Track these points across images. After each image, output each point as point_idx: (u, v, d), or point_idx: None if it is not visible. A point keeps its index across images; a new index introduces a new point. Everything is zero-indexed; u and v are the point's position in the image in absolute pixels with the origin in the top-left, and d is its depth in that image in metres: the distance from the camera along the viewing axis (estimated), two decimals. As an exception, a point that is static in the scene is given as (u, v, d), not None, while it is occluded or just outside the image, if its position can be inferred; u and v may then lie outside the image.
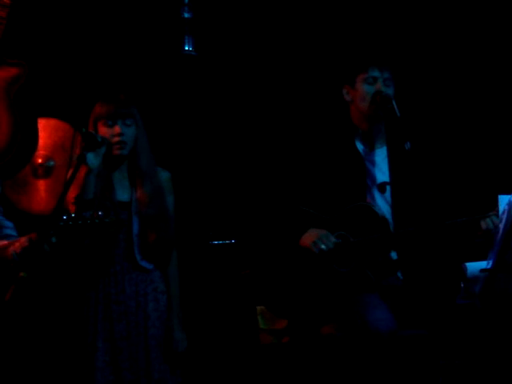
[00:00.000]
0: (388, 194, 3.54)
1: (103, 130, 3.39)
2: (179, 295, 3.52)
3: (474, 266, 3.18)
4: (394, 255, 3.52)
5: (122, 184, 3.48)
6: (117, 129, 3.38)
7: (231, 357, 4.20)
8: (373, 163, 3.58)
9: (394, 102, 3.47)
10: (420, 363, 3.36)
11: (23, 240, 3.10)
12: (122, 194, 3.46)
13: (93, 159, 3.29)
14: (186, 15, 4.11)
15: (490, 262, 3.12)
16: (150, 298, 3.44)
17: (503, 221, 3.13)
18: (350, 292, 3.44)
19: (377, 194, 3.55)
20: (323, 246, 3.44)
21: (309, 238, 3.47)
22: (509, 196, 3.14)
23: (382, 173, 3.57)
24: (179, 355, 3.45)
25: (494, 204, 3.23)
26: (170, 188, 3.55)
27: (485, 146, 4.20)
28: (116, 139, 3.39)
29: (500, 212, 3.17)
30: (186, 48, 4.09)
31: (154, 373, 3.39)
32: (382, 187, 3.54)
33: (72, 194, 3.23)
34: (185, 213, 4.17)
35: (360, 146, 3.60)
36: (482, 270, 3.13)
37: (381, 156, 3.60)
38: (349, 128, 3.61)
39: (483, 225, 3.28)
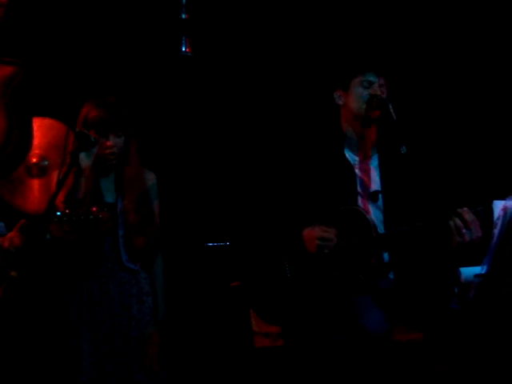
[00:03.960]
0: (380, 202, 3.53)
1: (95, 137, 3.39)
2: (164, 298, 3.51)
3: (469, 271, 3.16)
4: (385, 257, 3.50)
5: (108, 187, 3.49)
6: (108, 142, 3.40)
7: (225, 360, 4.19)
8: (365, 172, 3.57)
9: (390, 106, 3.46)
10: (414, 367, 3.35)
11: (15, 234, 3.10)
12: (108, 196, 3.47)
13: (85, 159, 3.29)
14: (184, 16, 4.10)
15: (485, 268, 3.10)
16: (134, 300, 3.44)
17: (498, 226, 3.12)
18: (343, 296, 3.44)
19: (369, 203, 3.54)
20: (326, 251, 3.44)
21: (309, 238, 3.46)
22: (503, 201, 3.12)
23: (373, 181, 3.56)
24: (157, 358, 3.43)
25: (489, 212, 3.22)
26: (155, 189, 3.55)
27: (479, 151, 4.19)
28: (107, 151, 3.40)
29: (495, 217, 3.15)
30: (183, 49, 4.08)
31: (135, 375, 3.39)
32: (374, 196, 3.53)
33: (64, 193, 3.22)
34: (179, 214, 4.17)
35: (350, 155, 3.59)
36: (477, 276, 3.12)
37: (372, 164, 3.59)
38: (338, 136, 3.60)
39: (467, 217, 3.24)
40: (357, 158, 3.59)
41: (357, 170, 3.57)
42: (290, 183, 3.58)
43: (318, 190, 3.54)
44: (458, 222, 3.24)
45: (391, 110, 3.44)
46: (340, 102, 3.58)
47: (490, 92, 4.21)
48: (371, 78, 3.51)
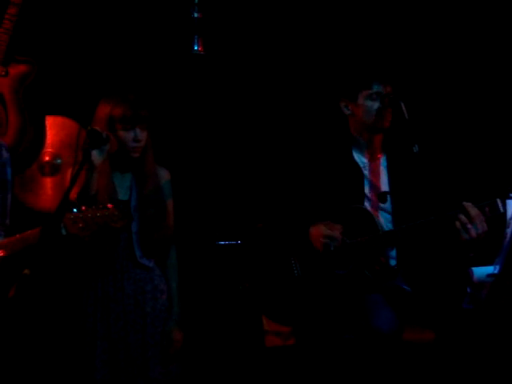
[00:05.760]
0: (389, 203, 3.54)
1: (120, 133, 3.41)
2: (179, 295, 3.51)
3: (481, 271, 3.15)
4: (392, 262, 3.51)
5: (122, 182, 3.50)
6: (136, 134, 3.41)
7: (236, 359, 4.19)
8: (373, 173, 3.58)
9: (402, 105, 3.47)
10: (424, 365, 3.35)
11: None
12: (121, 193, 3.48)
13: (97, 156, 3.29)
14: (196, 15, 4.11)
15: (497, 267, 3.10)
16: (148, 297, 3.45)
17: (511, 226, 3.11)
18: (351, 294, 3.44)
19: (375, 203, 3.54)
20: (332, 248, 3.46)
21: (316, 235, 3.49)
22: (516, 201, 3.12)
23: (382, 182, 3.57)
24: (176, 355, 3.44)
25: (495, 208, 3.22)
26: (169, 186, 3.56)
27: (490, 150, 4.18)
28: (134, 144, 3.41)
29: (508, 217, 3.15)
30: (195, 48, 4.09)
31: (150, 372, 3.39)
32: (382, 197, 3.54)
33: (76, 191, 3.23)
34: (191, 212, 4.17)
35: (358, 157, 3.60)
36: (489, 275, 3.11)
37: (381, 165, 3.60)
38: (346, 139, 3.62)
39: (471, 211, 3.24)
40: (365, 160, 3.60)
41: (365, 172, 3.58)
42: (299, 184, 3.60)
43: (326, 191, 3.56)
44: (463, 217, 3.24)
45: (404, 109, 3.45)
46: (347, 112, 3.59)
47: (502, 90, 4.21)
48: (379, 90, 3.52)
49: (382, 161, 3.60)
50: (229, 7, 4.33)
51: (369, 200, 3.55)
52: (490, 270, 3.13)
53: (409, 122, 3.44)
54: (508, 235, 3.11)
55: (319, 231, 3.48)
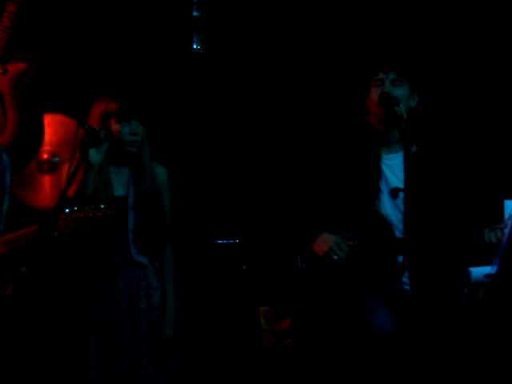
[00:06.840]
0: (400, 200, 3.53)
1: (116, 127, 3.40)
2: (174, 292, 3.51)
3: (479, 271, 3.16)
4: (399, 260, 3.50)
5: (120, 178, 3.49)
6: (132, 128, 3.40)
7: (233, 357, 4.19)
8: (389, 167, 3.57)
9: (400, 105, 3.46)
10: (420, 366, 3.35)
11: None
12: (119, 189, 3.47)
13: (95, 155, 3.29)
14: (195, 13, 4.11)
15: (495, 267, 3.10)
16: (142, 294, 3.44)
17: (508, 226, 3.12)
18: (353, 294, 3.44)
19: (387, 199, 3.54)
20: (335, 257, 3.45)
21: (321, 246, 3.49)
22: (515, 201, 3.13)
23: (396, 178, 3.56)
24: (169, 353, 3.44)
25: (501, 215, 3.23)
26: (165, 183, 3.56)
27: (493, 151, 4.18)
28: (131, 138, 3.40)
29: (506, 217, 3.15)
30: (195, 46, 4.09)
31: (143, 368, 3.38)
32: (394, 193, 3.53)
33: (74, 189, 3.24)
34: (189, 211, 4.17)
35: (378, 150, 3.59)
36: (487, 276, 3.11)
37: (397, 161, 3.59)
38: (368, 131, 3.61)
39: (486, 238, 3.26)
40: (384, 153, 3.58)
41: (382, 166, 3.56)
42: (312, 173, 3.60)
43: (341, 181, 3.55)
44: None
45: (401, 109, 3.44)
46: (368, 108, 3.61)
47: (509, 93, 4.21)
48: (381, 76, 3.53)
49: (399, 156, 3.58)
50: (228, 5, 4.33)
51: (381, 195, 3.55)
52: (487, 270, 3.14)
53: (407, 122, 3.44)
54: (505, 235, 3.12)
55: (331, 238, 3.47)
